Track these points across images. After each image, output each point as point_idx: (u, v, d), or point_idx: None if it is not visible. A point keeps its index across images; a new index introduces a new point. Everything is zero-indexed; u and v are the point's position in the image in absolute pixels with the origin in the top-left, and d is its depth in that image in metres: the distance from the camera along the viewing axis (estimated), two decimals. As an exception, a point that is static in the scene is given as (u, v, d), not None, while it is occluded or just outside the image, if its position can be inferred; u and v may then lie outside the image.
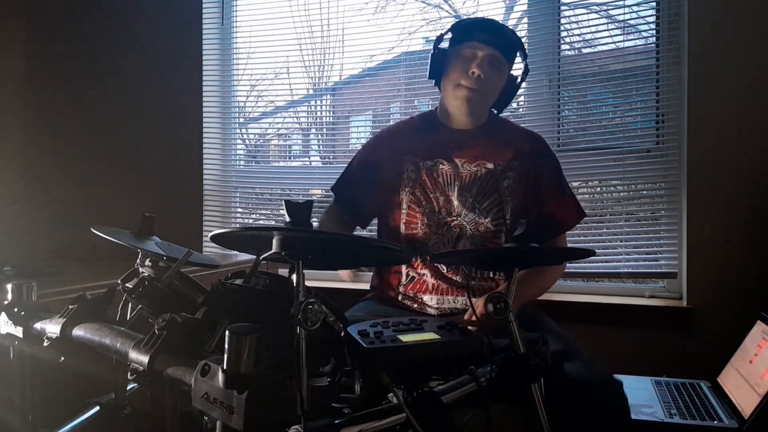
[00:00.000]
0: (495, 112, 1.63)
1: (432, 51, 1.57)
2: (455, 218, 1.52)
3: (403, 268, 1.55)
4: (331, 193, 1.72)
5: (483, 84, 1.51)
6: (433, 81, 1.60)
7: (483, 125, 1.59)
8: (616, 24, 2.18)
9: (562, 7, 2.20)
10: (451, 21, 1.62)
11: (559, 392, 0.96)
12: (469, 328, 1.23)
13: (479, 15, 2.28)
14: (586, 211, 1.64)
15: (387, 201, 1.60)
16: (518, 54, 1.58)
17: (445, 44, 1.57)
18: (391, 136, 1.69)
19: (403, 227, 1.57)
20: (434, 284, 1.52)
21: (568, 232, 1.64)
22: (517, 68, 1.61)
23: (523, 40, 2.25)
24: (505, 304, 0.90)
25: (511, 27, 2.36)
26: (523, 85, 2.27)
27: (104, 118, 2.56)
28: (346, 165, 1.74)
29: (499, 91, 1.57)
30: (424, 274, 1.53)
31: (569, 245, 1.99)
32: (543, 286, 1.57)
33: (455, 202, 1.53)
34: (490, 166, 1.54)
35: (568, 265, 2.11)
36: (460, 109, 1.55)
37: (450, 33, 1.56)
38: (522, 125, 1.82)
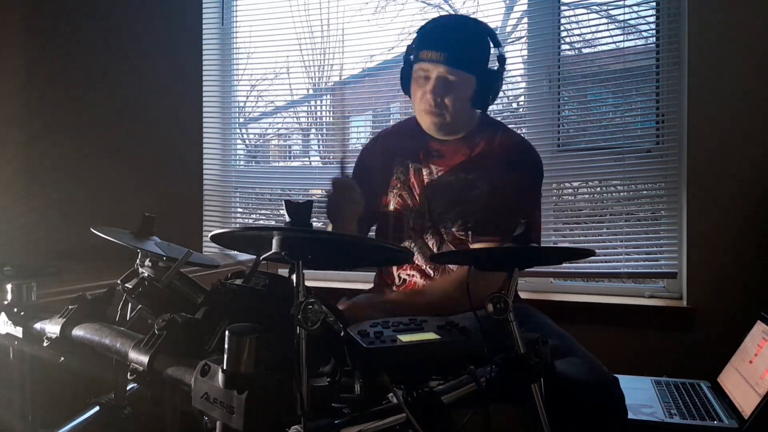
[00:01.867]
0: (482, 111, 1.56)
1: (402, 65, 1.54)
2: (432, 225, 1.52)
3: (394, 270, 1.56)
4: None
5: (441, 106, 1.46)
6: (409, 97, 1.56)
7: (469, 133, 1.54)
8: (616, 24, 2.18)
9: (562, 7, 2.20)
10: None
11: (556, 390, 0.96)
12: None
13: (479, 15, 2.28)
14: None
15: (379, 204, 1.60)
16: (480, 50, 1.49)
17: (409, 56, 1.53)
18: (386, 137, 1.70)
19: (391, 229, 1.58)
20: (424, 284, 1.52)
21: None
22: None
23: (523, 40, 2.27)
24: (505, 304, 0.89)
25: (510, 27, 2.37)
26: (523, 85, 2.29)
27: (104, 118, 2.56)
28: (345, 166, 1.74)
29: (469, 97, 1.47)
30: (413, 276, 1.54)
31: (570, 245, 1.99)
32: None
33: (432, 209, 1.52)
34: (462, 175, 1.51)
35: (568, 265, 2.11)
36: (432, 130, 1.53)
37: (412, 43, 1.51)
38: (520, 127, 1.79)
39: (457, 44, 1.45)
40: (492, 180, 1.49)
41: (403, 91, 1.57)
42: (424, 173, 1.55)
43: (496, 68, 1.50)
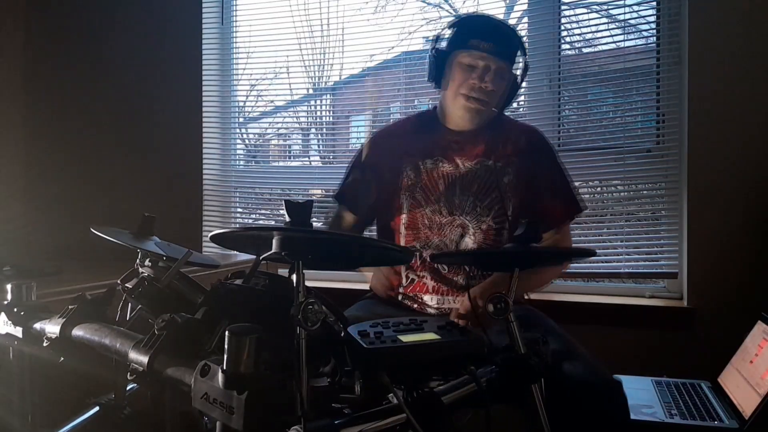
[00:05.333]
0: (495, 111, 1.61)
1: (431, 51, 1.55)
2: (457, 218, 1.52)
3: (403, 270, 1.55)
4: (332, 193, 1.72)
5: (491, 95, 1.51)
6: (434, 83, 1.58)
7: (483, 125, 1.59)
8: (617, 23, 2.18)
9: (563, 7, 2.20)
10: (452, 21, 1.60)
11: (559, 393, 0.96)
12: (460, 321, 1.23)
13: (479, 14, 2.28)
14: (586, 211, 1.63)
15: (386, 203, 1.59)
16: (519, 52, 1.56)
17: (443, 44, 1.54)
18: (388, 137, 1.68)
19: (403, 229, 1.56)
20: (434, 286, 1.51)
21: (570, 229, 1.63)
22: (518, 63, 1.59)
23: (523, 39, 2.26)
24: (506, 304, 0.89)
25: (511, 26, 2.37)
26: (523, 84, 2.29)
27: (104, 117, 2.56)
28: (345, 166, 1.73)
29: (502, 93, 1.55)
30: (423, 276, 1.53)
31: (570, 246, 1.98)
32: (538, 282, 1.57)
33: (456, 202, 1.52)
34: (489, 163, 1.53)
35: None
36: (465, 118, 1.55)
37: (451, 31, 1.53)
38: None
39: (504, 41, 1.52)
40: (520, 164, 1.54)
41: (431, 78, 1.57)
42: (447, 167, 1.55)
43: (519, 74, 1.56)
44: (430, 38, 1.58)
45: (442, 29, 1.56)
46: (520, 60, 1.57)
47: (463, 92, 1.51)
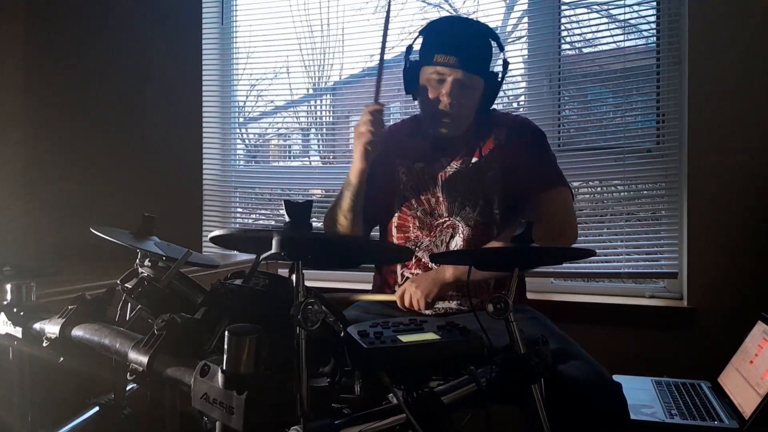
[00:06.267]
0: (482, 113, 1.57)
1: (404, 64, 1.53)
2: (447, 218, 1.53)
3: (398, 269, 1.56)
4: (332, 193, 1.72)
5: (455, 108, 1.47)
6: (411, 96, 1.56)
7: (469, 126, 1.56)
8: (617, 23, 2.18)
9: (563, 7, 2.20)
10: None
11: (558, 393, 0.95)
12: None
13: (479, 14, 2.28)
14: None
15: (382, 205, 1.60)
16: (495, 50, 1.52)
17: (414, 56, 1.53)
18: (385, 140, 1.69)
19: (395, 230, 1.58)
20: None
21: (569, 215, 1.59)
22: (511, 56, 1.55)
23: (523, 39, 2.27)
24: (505, 304, 0.89)
25: (510, 26, 2.37)
26: (523, 84, 2.29)
27: (104, 117, 2.56)
28: (345, 166, 1.73)
29: (477, 100, 1.50)
30: (417, 274, 1.53)
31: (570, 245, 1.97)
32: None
33: (445, 203, 1.53)
34: (474, 160, 1.53)
35: (568, 265, 2.11)
36: (441, 133, 1.53)
37: (419, 42, 1.51)
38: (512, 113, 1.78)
39: (469, 48, 1.47)
40: (504, 155, 1.52)
41: (407, 90, 1.56)
42: (435, 169, 1.55)
43: (499, 72, 1.52)
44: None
45: (413, 40, 1.53)
46: (495, 56, 1.53)
47: (431, 109, 1.50)
